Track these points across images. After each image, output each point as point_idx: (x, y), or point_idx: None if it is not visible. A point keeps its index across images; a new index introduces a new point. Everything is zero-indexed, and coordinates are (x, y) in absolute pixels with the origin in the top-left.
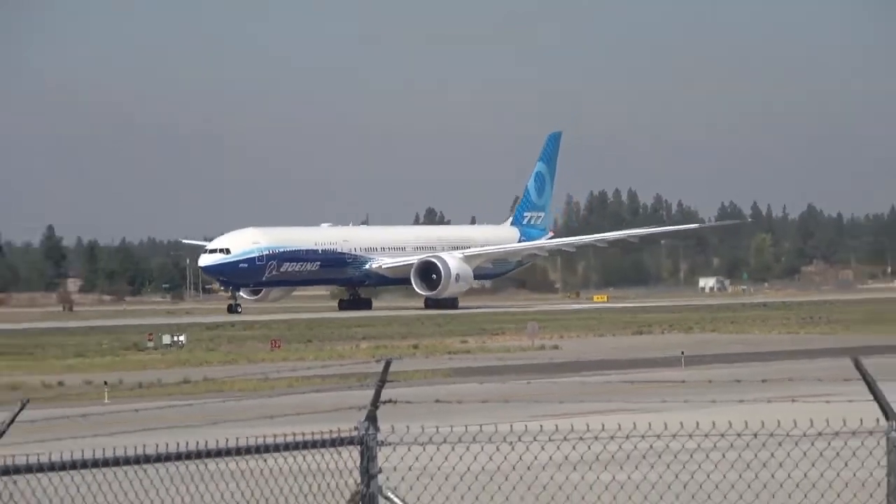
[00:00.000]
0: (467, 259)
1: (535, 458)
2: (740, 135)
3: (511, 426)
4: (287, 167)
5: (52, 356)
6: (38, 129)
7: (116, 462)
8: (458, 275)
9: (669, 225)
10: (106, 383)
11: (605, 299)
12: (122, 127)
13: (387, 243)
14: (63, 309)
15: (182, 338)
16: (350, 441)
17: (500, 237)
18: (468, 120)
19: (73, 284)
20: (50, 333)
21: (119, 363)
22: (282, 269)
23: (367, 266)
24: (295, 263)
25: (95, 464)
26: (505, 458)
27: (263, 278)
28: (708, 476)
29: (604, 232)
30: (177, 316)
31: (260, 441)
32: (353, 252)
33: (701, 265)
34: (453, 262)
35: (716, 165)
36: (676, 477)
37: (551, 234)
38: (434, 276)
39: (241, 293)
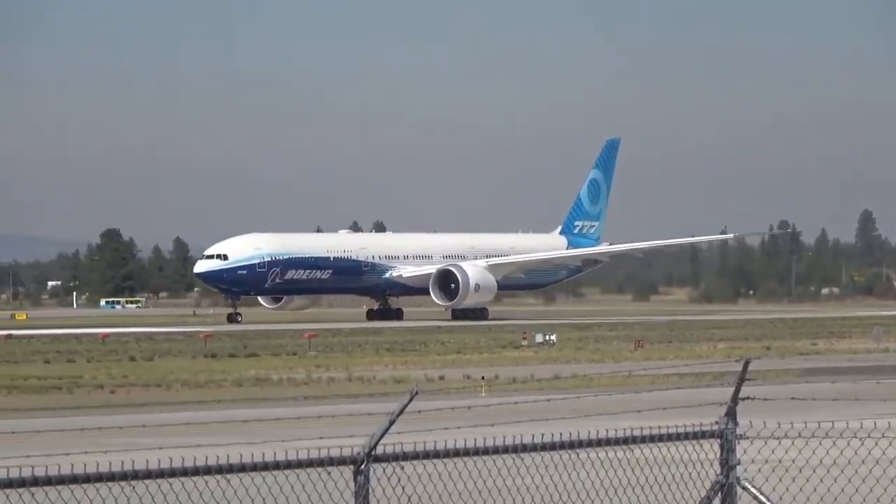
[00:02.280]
0: (492, 268)
1: (884, 453)
2: None
3: (861, 423)
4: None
5: (435, 352)
6: None
7: (496, 450)
8: (477, 284)
9: None
10: (483, 378)
11: None
12: None
13: (410, 251)
14: (445, 310)
15: (553, 337)
16: (711, 434)
17: (543, 246)
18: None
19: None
20: (433, 331)
21: (495, 359)
22: (286, 277)
23: (387, 275)
24: (302, 271)
25: (476, 452)
26: (855, 452)
27: (266, 286)
28: None
29: None
30: (548, 317)
31: (627, 433)
32: (370, 260)
33: None
34: (473, 270)
35: None
36: None
37: (607, 244)
38: (453, 285)
39: (261, 301)
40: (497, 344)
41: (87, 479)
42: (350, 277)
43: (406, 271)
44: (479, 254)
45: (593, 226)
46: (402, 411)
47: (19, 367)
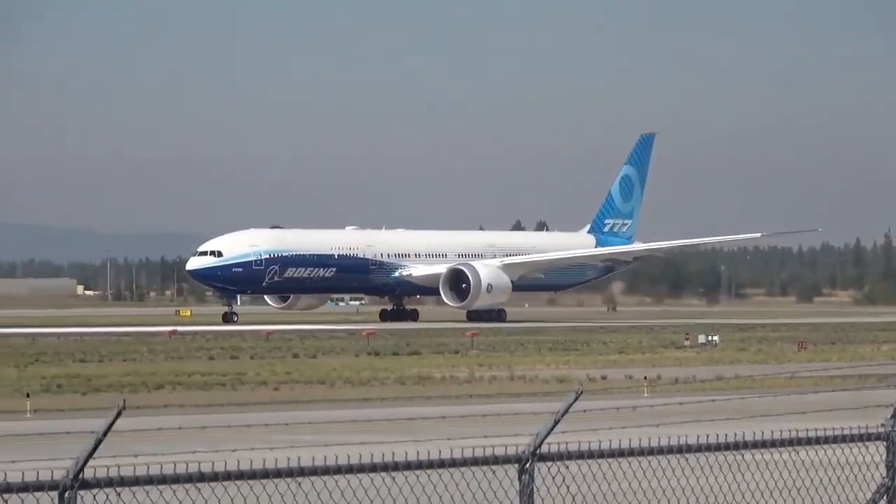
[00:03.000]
0: (507, 267)
1: None
2: None
3: None
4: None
5: (597, 352)
6: None
7: (660, 451)
8: (490, 285)
9: None
10: (645, 378)
11: None
12: None
13: (423, 249)
14: (607, 309)
15: (716, 338)
16: (877, 437)
17: (568, 245)
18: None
19: (617, 287)
20: (595, 331)
21: (657, 360)
22: (286, 275)
23: (396, 273)
24: (303, 269)
25: (640, 452)
26: None
27: (264, 284)
28: None
29: None
30: (710, 317)
31: (792, 434)
32: (378, 258)
33: None
34: (485, 270)
35: None
36: None
37: (640, 243)
38: (464, 285)
39: (267, 300)
40: (659, 344)
41: (253, 475)
42: (356, 276)
43: (417, 270)
44: (497, 252)
45: (625, 224)
46: (566, 410)
47: (184, 364)
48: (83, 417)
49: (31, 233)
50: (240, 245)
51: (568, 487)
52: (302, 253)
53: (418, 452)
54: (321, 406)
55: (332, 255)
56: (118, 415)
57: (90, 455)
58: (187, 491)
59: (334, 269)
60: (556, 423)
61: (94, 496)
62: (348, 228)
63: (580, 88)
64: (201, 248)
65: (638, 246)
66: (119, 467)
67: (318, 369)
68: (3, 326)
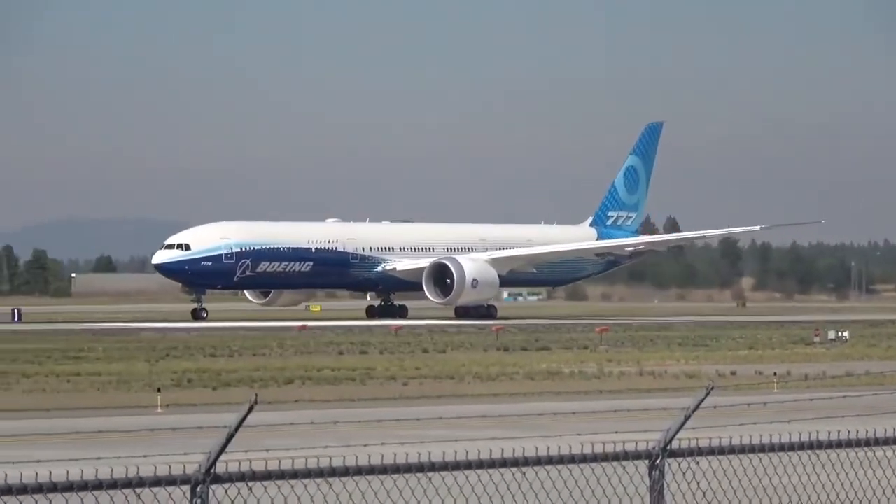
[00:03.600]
0: (495, 262)
1: None
2: None
3: None
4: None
5: (726, 348)
6: None
7: (791, 447)
8: (475, 279)
9: None
10: (775, 374)
11: None
12: None
13: (408, 243)
14: (737, 305)
15: (846, 334)
16: None
17: (568, 238)
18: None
19: (746, 283)
20: (724, 327)
21: (787, 356)
22: (258, 270)
23: (379, 268)
24: (277, 263)
25: (771, 448)
26: None
27: (235, 279)
28: None
29: None
30: (840, 313)
31: None
32: (359, 252)
33: None
34: (470, 265)
35: None
36: None
37: (646, 237)
38: (448, 280)
39: (247, 295)
40: (789, 340)
41: (383, 470)
42: (335, 270)
43: (401, 264)
44: (489, 246)
45: (630, 217)
46: (697, 406)
47: (313, 358)
48: (214, 412)
49: (162, 228)
50: (209, 238)
51: (698, 483)
52: (276, 246)
53: (548, 448)
54: (450, 401)
55: (310, 248)
56: (250, 409)
57: (222, 449)
58: (318, 486)
59: (311, 263)
60: (687, 419)
61: (226, 491)
62: (329, 221)
63: (583, 78)
64: (168, 241)
65: (632, 239)
66: (251, 462)
67: (448, 364)
68: (134, 321)
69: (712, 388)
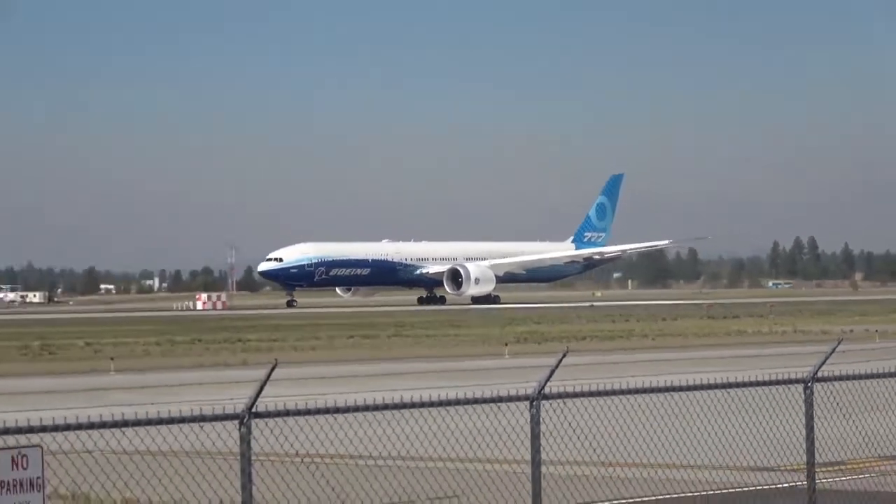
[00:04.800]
0: (493, 266)
1: None
2: None
3: None
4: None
5: (847, 314)
6: None
7: (891, 374)
8: (477, 278)
9: None
10: (876, 331)
11: None
12: None
13: (438, 254)
14: (853, 290)
15: None
16: None
17: (551, 251)
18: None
19: (858, 275)
20: (846, 303)
21: (888, 320)
22: (331, 274)
23: (418, 272)
24: (344, 269)
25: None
26: None
27: (315, 280)
28: None
29: None
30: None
31: None
32: (404, 261)
33: None
34: (473, 268)
35: None
36: None
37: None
38: (460, 279)
39: (338, 291)
40: (890, 310)
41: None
42: (387, 274)
43: (433, 269)
44: (496, 256)
45: (600, 236)
46: (833, 351)
47: (597, 324)
48: (541, 356)
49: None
50: (295, 253)
51: (839, 397)
52: (343, 258)
53: (742, 376)
54: (677, 350)
55: (367, 259)
56: (272, 369)
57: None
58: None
59: (369, 269)
60: (826, 358)
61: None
62: (383, 241)
63: (566, 136)
64: (267, 257)
65: (568, 252)
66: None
67: (675, 327)
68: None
69: (841, 340)
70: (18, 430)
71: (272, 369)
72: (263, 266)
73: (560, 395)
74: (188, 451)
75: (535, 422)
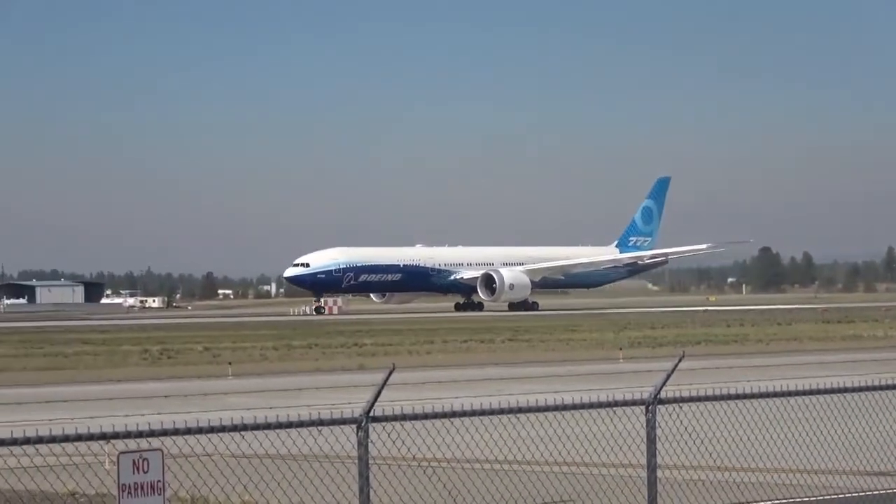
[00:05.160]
0: (529, 272)
1: None
2: None
3: None
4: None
5: None
6: None
7: None
8: (511, 284)
9: None
10: None
11: None
12: None
13: (473, 259)
14: None
15: None
16: None
17: (593, 256)
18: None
19: None
20: None
21: None
22: (360, 280)
23: (452, 277)
24: (374, 275)
25: None
26: None
27: (343, 286)
28: None
29: None
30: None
31: None
32: (437, 266)
33: None
34: (507, 274)
35: None
36: None
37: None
38: (494, 285)
39: (372, 297)
40: None
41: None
42: (419, 279)
43: (467, 274)
44: (536, 260)
45: (646, 240)
46: None
47: (711, 329)
48: (656, 360)
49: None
50: (323, 259)
51: None
52: (373, 263)
53: (860, 380)
54: (808, 354)
55: (398, 264)
56: (390, 374)
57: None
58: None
59: (400, 275)
60: None
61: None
62: (417, 246)
63: (614, 136)
64: (294, 262)
65: (611, 255)
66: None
67: (789, 332)
68: (606, 308)
69: None
70: (139, 434)
71: (389, 373)
72: (290, 272)
73: (676, 400)
74: (306, 455)
75: (652, 426)
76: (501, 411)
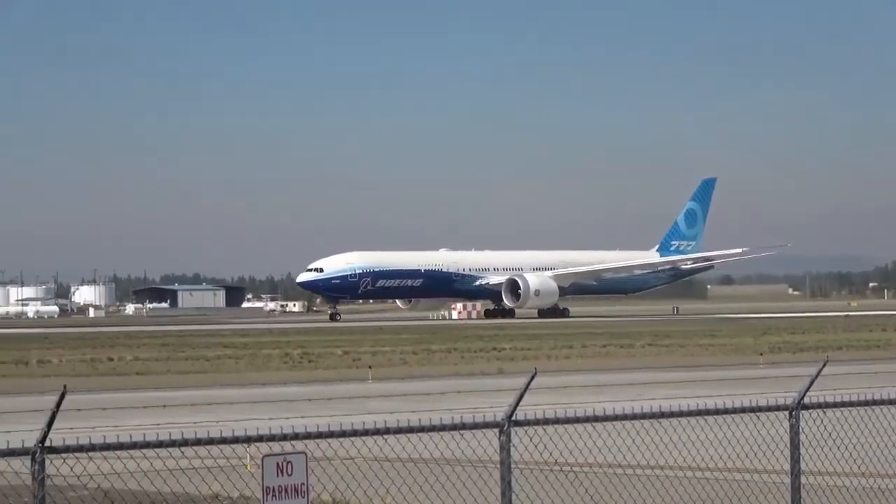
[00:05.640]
0: (557, 277)
1: None
2: None
3: None
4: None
5: None
6: None
7: None
8: (537, 290)
9: None
10: None
11: None
12: None
13: (501, 264)
14: None
15: None
16: None
17: (632, 260)
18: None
19: None
20: None
21: None
22: (377, 285)
23: (477, 283)
24: (393, 280)
25: None
26: None
27: (359, 291)
28: None
29: None
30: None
31: None
32: (461, 272)
33: None
34: (533, 279)
35: None
36: None
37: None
38: (519, 290)
39: (398, 303)
40: None
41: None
42: (441, 284)
43: (493, 279)
44: (569, 265)
45: (689, 244)
46: None
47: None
48: (797, 365)
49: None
50: (338, 263)
51: None
52: (391, 268)
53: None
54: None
55: (419, 269)
56: (532, 378)
57: (809, 385)
58: None
59: (421, 280)
60: None
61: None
62: (441, 250)
63: (652, 137)
64: (308, 267)
65: (652, 259)
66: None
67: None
68: (739, 312)
69: None
70: (284, 437)
71: (531, 378)
72: (303, 277)
73: (820, 405)
74: (448, 459)
75: (795, 431)
76: (643, 416)
